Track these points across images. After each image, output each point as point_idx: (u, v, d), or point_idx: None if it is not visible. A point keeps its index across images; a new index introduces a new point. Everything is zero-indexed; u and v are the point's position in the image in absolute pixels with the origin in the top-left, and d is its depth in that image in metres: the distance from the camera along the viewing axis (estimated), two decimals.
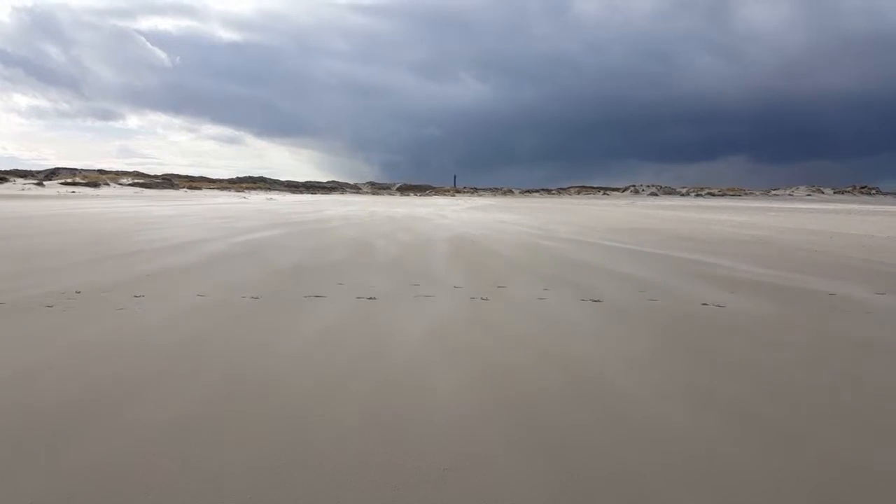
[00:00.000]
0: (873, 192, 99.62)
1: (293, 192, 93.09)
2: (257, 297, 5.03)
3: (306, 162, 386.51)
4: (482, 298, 5.17)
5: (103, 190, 74.12)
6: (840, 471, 2.14)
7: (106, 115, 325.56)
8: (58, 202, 29.39)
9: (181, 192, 74.85)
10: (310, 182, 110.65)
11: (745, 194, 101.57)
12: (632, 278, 6.47)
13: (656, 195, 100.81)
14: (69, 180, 79.11)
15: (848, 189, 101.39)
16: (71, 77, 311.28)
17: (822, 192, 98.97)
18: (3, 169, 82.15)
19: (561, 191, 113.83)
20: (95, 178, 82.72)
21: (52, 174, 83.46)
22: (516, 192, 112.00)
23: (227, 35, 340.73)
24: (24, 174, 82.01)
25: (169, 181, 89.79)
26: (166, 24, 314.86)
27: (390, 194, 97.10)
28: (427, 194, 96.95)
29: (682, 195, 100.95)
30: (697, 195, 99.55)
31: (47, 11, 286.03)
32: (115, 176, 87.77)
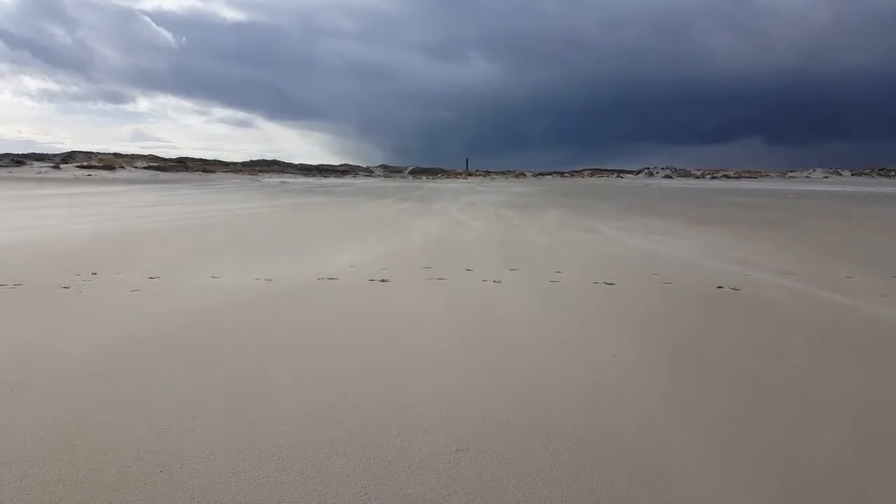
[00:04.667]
0: (892, 174, 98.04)
1: (306, 175, 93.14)
2: None
3: (317, 145, 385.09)
4: None
5: (119, 173, 74.51)
6: None
7: (116, 98, 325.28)
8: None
9: (196, 175, 75.16)
10: (322, 165, 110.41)
11: (762, 176, 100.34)
12: None
13: (671, 178, 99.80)
14: (85, 164, 79.71)
15: (866, 171, 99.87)
16: (78, 59, 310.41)
17: (840, 174, 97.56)
18: (20, 153, 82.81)
19: (574, 173, 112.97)
20: (111, 162, 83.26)
21: (68, 157, 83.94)
22: (528, 174, 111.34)
23: (231, 15, 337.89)
24: (41, 157, 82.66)
25: (184, 164, 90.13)
26: (170, 3, 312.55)
27: (402, 178, 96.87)
28: (439, 178, 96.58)
29: (697, 178, 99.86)
30: (713, 177, 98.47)
31: None
32: (129, 159, 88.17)
